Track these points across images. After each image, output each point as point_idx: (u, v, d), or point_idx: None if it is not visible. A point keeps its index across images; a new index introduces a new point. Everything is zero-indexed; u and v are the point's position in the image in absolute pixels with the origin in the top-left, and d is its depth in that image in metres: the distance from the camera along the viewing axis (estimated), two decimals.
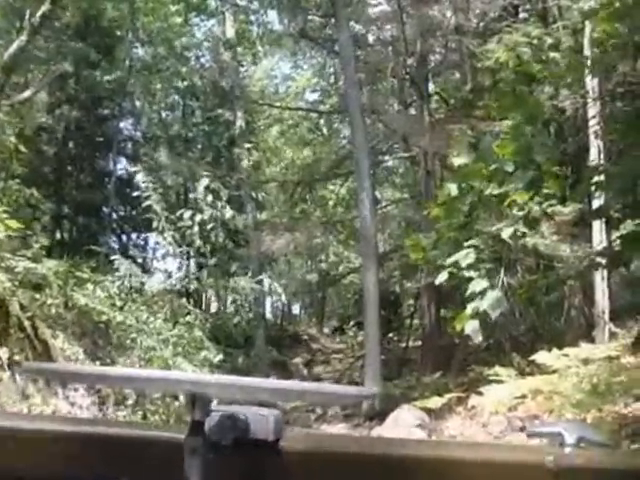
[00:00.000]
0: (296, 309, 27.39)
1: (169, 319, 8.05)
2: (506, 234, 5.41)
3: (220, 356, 8.69)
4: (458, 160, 6.27)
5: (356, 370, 17.56)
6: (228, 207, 9.70)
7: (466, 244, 5.53)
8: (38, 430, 1.05)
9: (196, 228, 9.35)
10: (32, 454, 0.99)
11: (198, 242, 9.42)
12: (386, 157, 19.32)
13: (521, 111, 6.52)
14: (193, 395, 0.91)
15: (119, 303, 7.69)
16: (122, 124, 21.25)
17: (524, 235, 6.20)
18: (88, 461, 0.99)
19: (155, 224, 9.17)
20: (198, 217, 9.48)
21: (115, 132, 20.05)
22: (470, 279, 5.37)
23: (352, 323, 21.78)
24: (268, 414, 0.98)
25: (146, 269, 20.16)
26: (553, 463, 0.88)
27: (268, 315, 22.61)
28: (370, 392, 1.11)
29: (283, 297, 22.09)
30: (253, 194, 17.11)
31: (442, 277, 5.34)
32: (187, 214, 9.51)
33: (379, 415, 12.39)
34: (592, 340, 11.25)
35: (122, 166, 20.84)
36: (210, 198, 9.58)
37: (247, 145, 17.34)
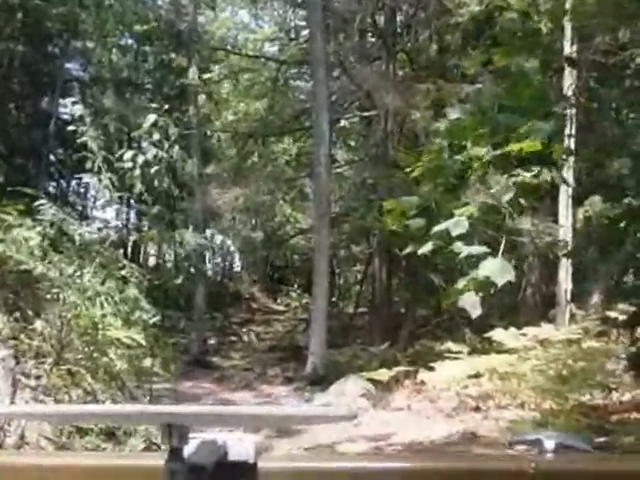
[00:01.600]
0: (238, 267, 26.58)
1: (99, 274, 7.12)
2: (506, 197, 4.73)
3: (158, 317, 7.82)
4: (451, 114, 5.52)
5: (298, 333, 16.94)
6: (177, 148, 8.69)
7: (458, 211, 4.83)
8: (24, 464, 1.07)
9: (138, 171, 8.40)
10: None
11: (139, 187, 8.49)
12: (346, 115, 18.49)
13: (531, 52, 5.84)
14: (169, 425, 0.89)
15: (39, 253, 6.72)
16: (70, 64, 20.25)
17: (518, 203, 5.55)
18: None
19: (90, 164, 8.13)
20: (141, 158, 8.53)
21: (61, 72, 18.97)
22: (458, 253, 4.69)
23: (296, 285, 21.13)
24: (247, 438, 0.98)
25: (84, 217, 19.18)
26: (533, 469, 0.89)
27: (209, 272, 21.79)
28: (352, 413, 0.94)
29: (232, 253, 21.44)
30: (201, 145, 16.17)
31: (426, 248, 4.56)
32: (128, 154, 8.52)
33: (322, 381, 11.81)
34: (548, 321, 10.81)
35: (67, 110, 19.85)
36: (157, 136, 8.58)
37: (199, 95, 16.37)
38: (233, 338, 18.45)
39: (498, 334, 10.14)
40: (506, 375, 9.66)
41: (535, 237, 12.48)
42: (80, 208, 18.76)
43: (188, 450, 0.91)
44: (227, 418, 0.94)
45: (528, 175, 5.71)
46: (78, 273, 6.96)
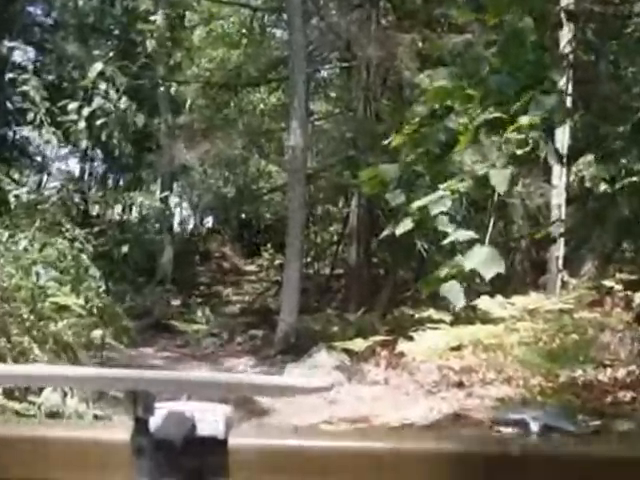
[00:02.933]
0: (209, 225, 25.61)
1: (37, 239, 6.31)
2: (497, 179, 4.01)
3: (110, 282, 7.02)
4: (436, 74, 4.71)
5: (269, 296, 16.12)
6: (125, 98, 7.83)
7: (442, 186, 4.04)
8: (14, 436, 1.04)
9: (83, 123, 7.54)
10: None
11: (85, 142, 7.63)
12: (325, 66, 17.48)
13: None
14: (134, 392, 0.86)
15: None
16: (31, 8, 19.44)
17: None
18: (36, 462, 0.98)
19: (31, 116, 7.33)
20: (86, 110, 7.68)
21: (22, 15, 18.11)
22: (441, 232, 3.93)
23: (269, 245, 20.24)
24: (216, 410, 0.93)
25: (44, 169, 18.15)
26: (518, 452, 0.87)
27: (177, 229, 20.87)
28: (327, 385, 0.98)
29: (203, 210, 20.46)
30: (170, 96, 15.12)
31: (405, 226, 3.76)
32: (73, 105, 7.70)
33: (293, 349, 11.06)
34: (538, 289, 10.11)
35: (32, 56, 18.85)
36: (103, 86, 7.70)
37: (168, 42, 15.27)
38: (200, 300, 17.63)
39: (484, 302, 9.39)
40: (491, 347, 8.93)
41: (525, 198, 11.76)
42: (40, 159, 17.76)
43: (154, 422, 0.88)
44: (197, 386, 0.92)
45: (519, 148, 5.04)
46: (13, 239, 6.16)
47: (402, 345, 9.61)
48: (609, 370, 8.00)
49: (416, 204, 3.61)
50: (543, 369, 7.71)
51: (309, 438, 1.06)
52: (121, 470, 0.89)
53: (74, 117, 7.65)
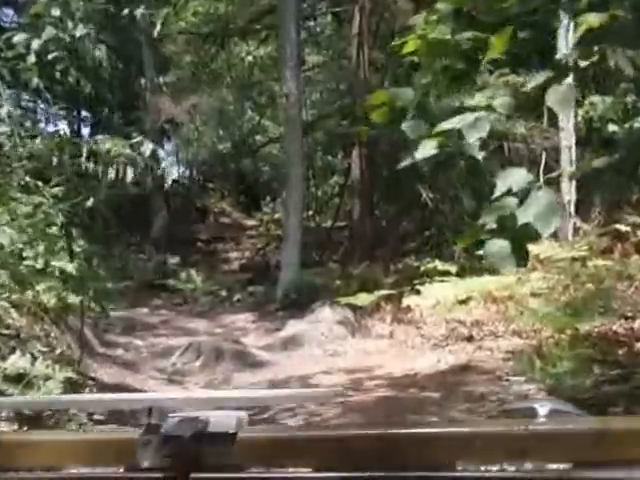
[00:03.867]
0: (207, 181, 24.98)
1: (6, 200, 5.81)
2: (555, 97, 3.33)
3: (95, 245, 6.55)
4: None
5: (270, 252, 15.70)
6: (81, 26, 6.75)
7: (473, 102, 3.45)
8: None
9: (32, 58, 6.53)
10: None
11: (36, 80, 6.85)
12: (315, 13, 16.74)
13: None
14: (150, 408, 0.92)
15: None
16: None
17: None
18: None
19: None
20: (36, 42, 6.57)
21: None
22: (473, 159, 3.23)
23: (268, 198, 19.73)
24: (230, 414, 0.96)
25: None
26: (523, 429, 0.87)
27: (173, 186, 20.25)
28: (337, 393, 1.05)
29: (200, 165, 19.79)
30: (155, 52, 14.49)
31: (428, 148, 3.00)
32: (19, 37, 6.59)
33: (295, 305, 10.71)
34: (549, 236, 9.65)
35: None
36: (56, 12, 6.61)
37: None
38: (198, 257, 17.22)
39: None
40: (502, 300, 8.56)
41: (531, 143, 11.25)
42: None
43: (166, 426, 0.92)
44: (213, 402, 0.98)
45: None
46: None
47: (408, 299, 9.24)
48: (629, 322, 7.58)
49: (443, 126, 2.85)
50: (557, 321, 7.30)
51: (322, 430, 1.08)
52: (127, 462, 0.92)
53: (22, 51, 6.58)
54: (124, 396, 1.36)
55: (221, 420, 0.94)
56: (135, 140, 7.97)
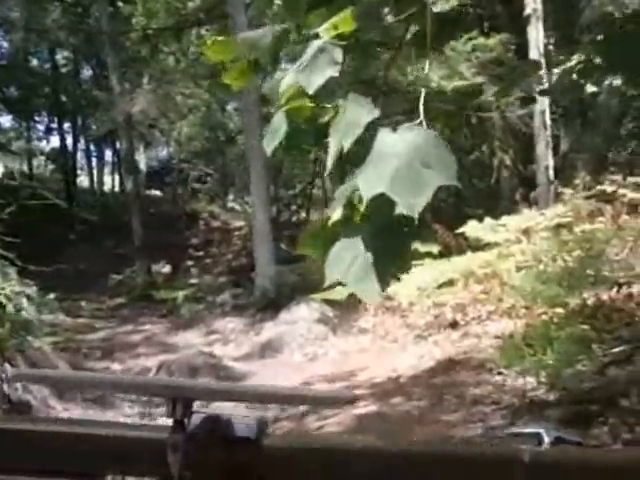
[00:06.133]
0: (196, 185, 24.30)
1: None
2: None
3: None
4: None
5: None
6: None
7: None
8: (36, 430, 1.11)
9: None
10: (30, 450, 1.06)
11: None
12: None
13: None
14: (174, 398, 0.93)
15: None
16: None
17: None
18: (77, 458, 1.05)
19: None
20: None
21: None
22: None
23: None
24: (252, 414, 0.99)
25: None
26: (527, 458, 0.88)
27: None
28: (348, 395, 0.96)
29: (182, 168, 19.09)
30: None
31: (277, 124, 2.32)
32: None
33: (272, 305, 10.09)
34: (530, 205, 9.02)
35: None
36: None
37: None
38: (189, 263, 16.62)
39: (472, 228, 8.33)
40: (486, 278, 7.91)
41: (505, 109, 10.58)
42: None
43: (191, 424, 0.93)
44: (233, 394, 0.99)
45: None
46: None
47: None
48: (624, 289, 6.89)
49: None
50: (546, 297, 6.64)
51: (342, 440, 1.16)
52: (156, 466, 0.93)
53: None
54: (142, 380, 1.50)
55: (243, 424, 0.96)
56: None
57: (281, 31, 2.05)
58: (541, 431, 0.98)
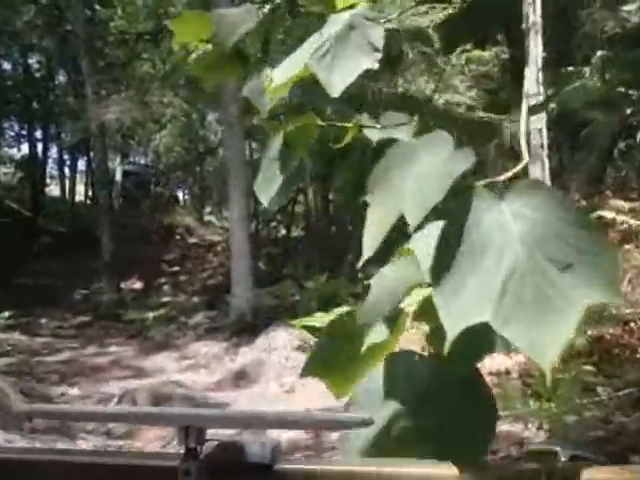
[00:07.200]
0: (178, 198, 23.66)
1: None
2: None
3: None
4: None
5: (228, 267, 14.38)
6: None
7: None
8: (47, 460, 1.11)
9: None
10: None
11: None
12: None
13: None
14: (186, 427, 0.92)
15: None
16: None
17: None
18: None
19: None
20: None
21: None
22: None
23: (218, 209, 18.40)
24: (265, 440, 0.97)
25: None
26: (544, 475, 0.88)
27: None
28: (361, 419, 0.90)
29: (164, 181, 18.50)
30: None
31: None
32: None
33: (249, 329, 9.46)
34: None
35: None
36: None
37: None
38: (163, 280, 15.91)
39: None
40: None
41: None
42: None
43: (204, 451, 0.93)
44: (244, 421, 0.97)
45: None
46: None
47: None
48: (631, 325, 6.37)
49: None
50: None
51: (358, 464, 1.08)
52: None
53: None
54: (156, 410, 1.38)
55: (256, 449, 0.94)
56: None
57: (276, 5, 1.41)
58: (557, 449, 0.98)
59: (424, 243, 0.76)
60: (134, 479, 1.02)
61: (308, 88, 1.12)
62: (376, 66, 1.01)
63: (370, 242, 0.79)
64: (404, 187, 0.76)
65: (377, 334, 0.94)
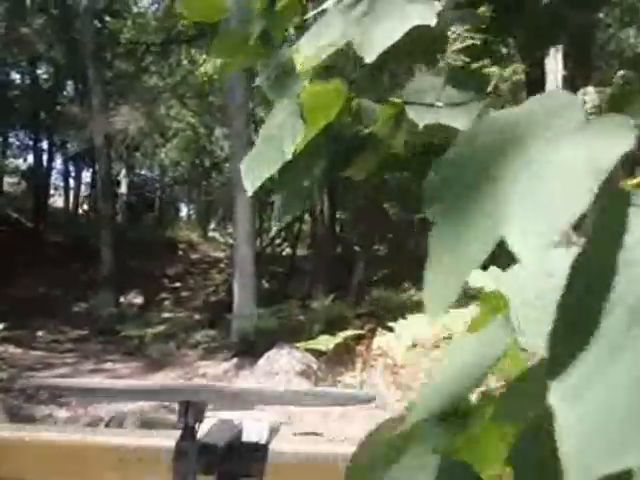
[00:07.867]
0: (181, 213, 23.39)
1: None
2: None
3: None
4: None
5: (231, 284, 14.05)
6: None
7: None
8: (41, 438, 1.10)
9: None
10: (35, 458, 1.07)
11: None
12: None
13: None
14: (187, 402, 0.90)
15: None
16: None
17: None
18: (83, 465, 1.06)
19: None
20: None
21: None
22: None
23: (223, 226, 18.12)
24: (262, 419, 0.97)
25: None
26: None
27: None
28: (367, 396, 1.02)
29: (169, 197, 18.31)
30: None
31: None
32: None
33: (251, 350, 9.11)
34: None
35: None
36: None
37: None
38: (164, 295, 15.58)
39: (475, 279, 7.42)
40: None
41: None
42: None
43: (202, 429, 0.91)
44: (244, 396, 0.99)
45: None
46: None
47: (380, 338, 7.76)
48: None
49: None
50: None
51: (350, 445, 1.00)
52: (159, 475, 0.91)
53: None
54: (155, 386, 1.34)
55: (254, 428, 0.94)
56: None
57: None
58: None
59: (526, 286, 0.43)
60: (129, 456, 1.02)
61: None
62: (434, 22, 0.68)
63: (442, 292, 0.40)
64: (507, 194, 0.39)
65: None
